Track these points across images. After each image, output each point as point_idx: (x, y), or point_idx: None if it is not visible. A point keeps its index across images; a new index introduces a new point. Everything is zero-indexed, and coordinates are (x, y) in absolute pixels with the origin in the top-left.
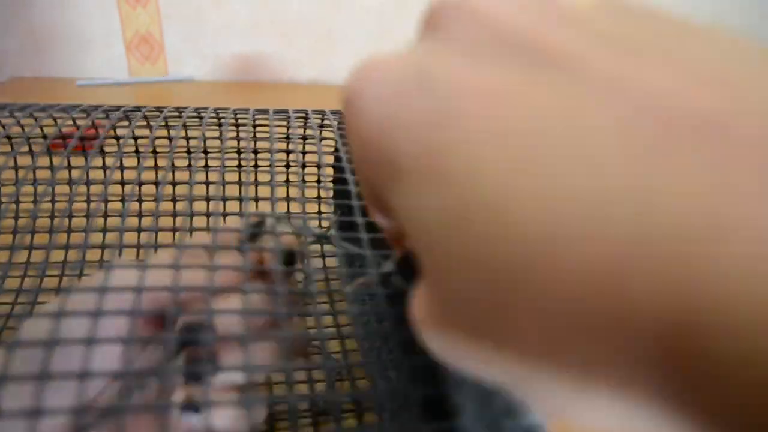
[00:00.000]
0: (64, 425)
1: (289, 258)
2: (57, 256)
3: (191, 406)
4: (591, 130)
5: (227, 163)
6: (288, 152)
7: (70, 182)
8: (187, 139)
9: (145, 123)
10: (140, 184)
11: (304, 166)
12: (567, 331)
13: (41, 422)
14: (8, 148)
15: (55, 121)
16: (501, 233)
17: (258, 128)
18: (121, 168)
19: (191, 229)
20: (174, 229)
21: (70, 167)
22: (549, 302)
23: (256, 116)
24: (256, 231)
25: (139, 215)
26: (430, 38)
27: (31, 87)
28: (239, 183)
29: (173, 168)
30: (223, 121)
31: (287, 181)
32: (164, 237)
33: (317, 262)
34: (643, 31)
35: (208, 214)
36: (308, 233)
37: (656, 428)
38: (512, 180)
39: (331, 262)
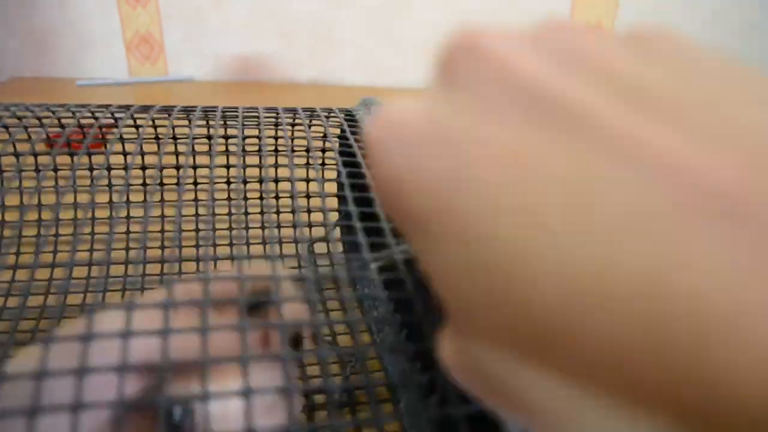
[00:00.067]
0: None
1: (297, 340)
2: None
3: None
4: (610, 199)
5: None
6: (277, 138)
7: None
8: (177, 154)
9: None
10: (128, 200)
11: (293, 150)
12: (586, 381)
13: None
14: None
15: (62, 126)
16: (517, 297)
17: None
18: (110, 186)
19: (180, 264)
20: (162, 261)
21: (57, 177)
22: (570, 363)
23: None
24: (257, 302)
25: (127, 229)
26: (445, 90)
27: (31, 87)
28: (227, 166)
29: (161, 182)
30: (212, 123)
31: (276, 163)
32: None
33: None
34: (673, 82)
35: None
36: (316, 300)
37: None
38: (530, 245)
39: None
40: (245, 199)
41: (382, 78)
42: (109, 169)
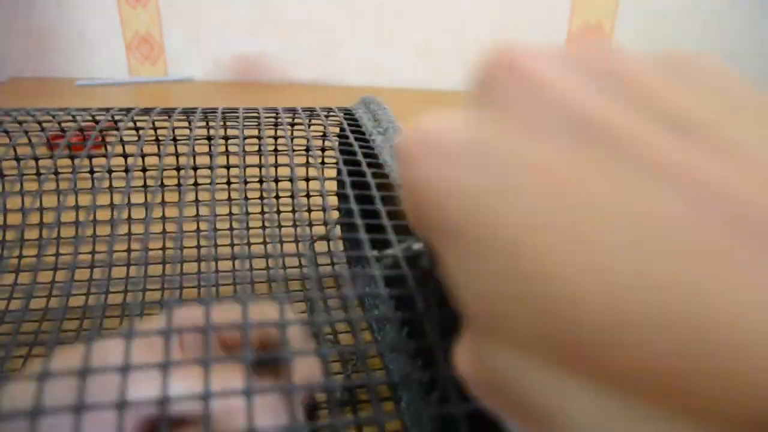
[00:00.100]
0: None
1: (311, 408)
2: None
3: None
4: (656, 219)
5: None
6: (276, 138)
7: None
8: (177, 156)
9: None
10: (129, 209)
11: (292, 150)
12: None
13: None
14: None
15: (63, 130)
16: (561, 309)
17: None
18: (111, 204)
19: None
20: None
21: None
22: (613, 374)
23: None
24: (266, 359)
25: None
26: (484, 107)
27: (31, 87)
28: (227, 166)
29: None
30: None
31: (276, 163)
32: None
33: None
34: (711, 109)
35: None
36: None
37: None
38: (576, 260)
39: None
40: (246, 198)
41: (382, 78)
42: (110, 171)
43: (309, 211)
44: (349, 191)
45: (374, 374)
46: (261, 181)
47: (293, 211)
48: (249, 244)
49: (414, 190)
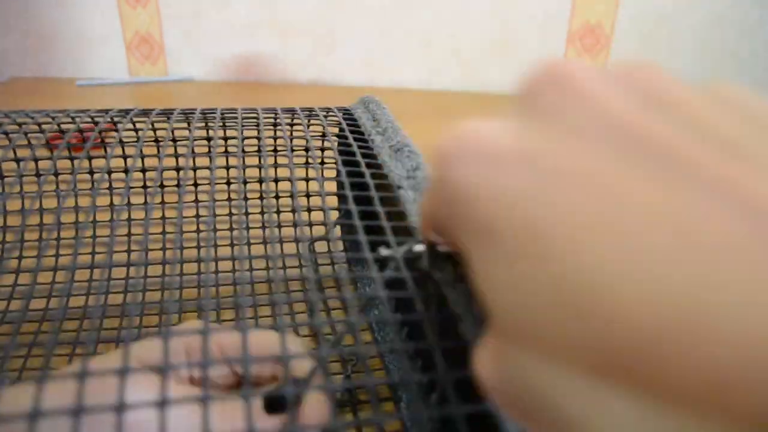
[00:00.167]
0: None
1: None
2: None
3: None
4: (705, 233)
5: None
6: (276, 138)
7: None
8: (177, 159)
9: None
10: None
11: (291, 150)
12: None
13: None
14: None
15: (62, 132)
16: (606, 316)
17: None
18: (111, 205)
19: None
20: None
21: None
22: (659, 382)
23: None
24: (273, 400)
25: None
26: (530, 116)
27: (31, 87)
28: (227, 167)
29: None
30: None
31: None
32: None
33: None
34: (750, 133)
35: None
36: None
37: None
38: (624, 269)
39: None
40: (245, 199)
41: (382, 78)
42: (109, 172)
43: (309, 211)
44: (348, 192)
45: (374, 375)
46: (260, 182)
47: (293, 212)
48: (249, 244)
49: (452, 190)
